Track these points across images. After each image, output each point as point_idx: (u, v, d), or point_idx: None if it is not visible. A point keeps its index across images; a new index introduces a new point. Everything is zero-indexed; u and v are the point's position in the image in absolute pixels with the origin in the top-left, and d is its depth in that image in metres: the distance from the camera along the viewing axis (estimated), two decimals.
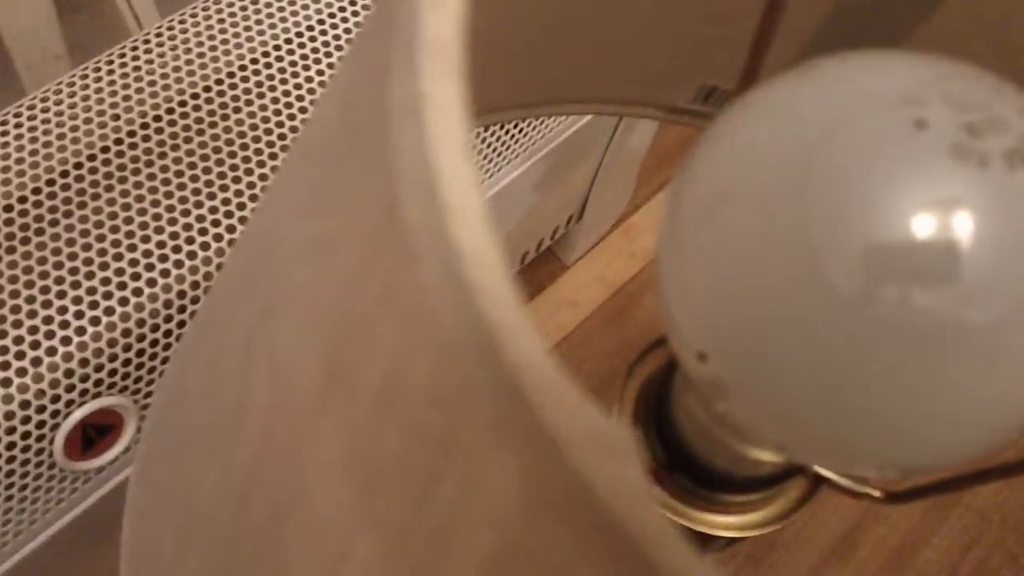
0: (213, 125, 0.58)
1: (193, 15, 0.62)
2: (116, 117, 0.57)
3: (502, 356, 0.12)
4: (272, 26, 0.61)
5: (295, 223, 0.20)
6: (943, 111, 0.20)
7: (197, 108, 0.58)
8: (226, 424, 0.24)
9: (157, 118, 0.58)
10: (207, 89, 0.59)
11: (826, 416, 0.23)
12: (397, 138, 0.14)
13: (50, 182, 0.55)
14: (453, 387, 0.13)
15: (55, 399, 0.51)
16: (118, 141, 0.57)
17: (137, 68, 0.59)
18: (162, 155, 0.56)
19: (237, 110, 0.58)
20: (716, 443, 0.32)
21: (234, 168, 0.57)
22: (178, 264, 0.54)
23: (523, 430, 0.12)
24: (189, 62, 0.60)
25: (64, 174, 0.55)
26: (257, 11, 0.62)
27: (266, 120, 0.58)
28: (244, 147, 0.57)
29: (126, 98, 0.58)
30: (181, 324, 0.55)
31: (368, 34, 0.18)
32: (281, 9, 0.62)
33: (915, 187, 0.20)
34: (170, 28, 0.61)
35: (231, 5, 0.62)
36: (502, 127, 0.72)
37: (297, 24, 0.62)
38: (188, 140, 0.57)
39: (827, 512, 1.03)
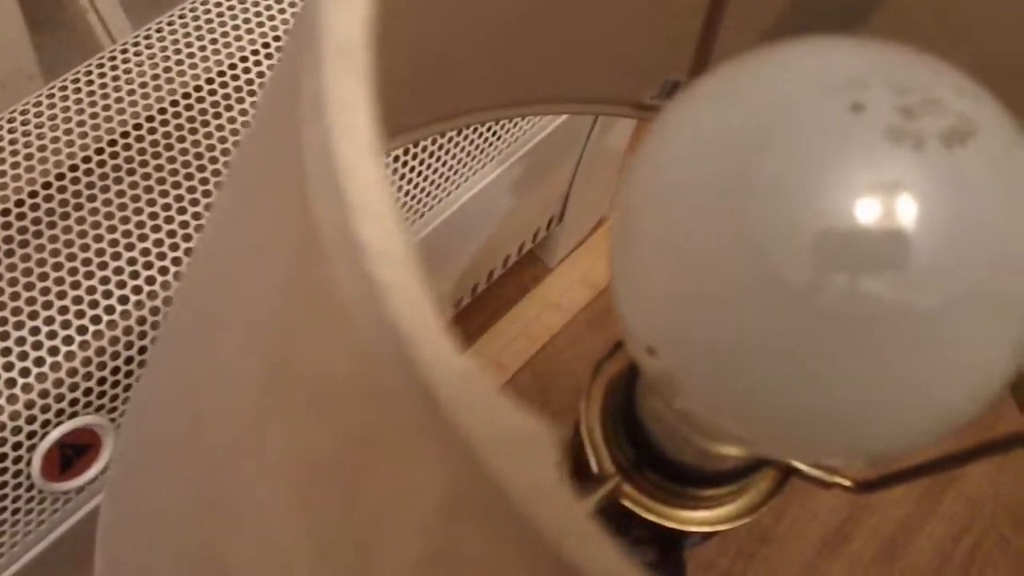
0: (182, 140, 0.58)
1: (159, 29, 0.61)
2: (84, 135, 0.57)
3: (412, 356, 0.12)
4: (238, 38, 0.61)
5: (233, 230, 0.20)
6: (881, 94, 0.20)
7: (165, 123, 0.58)
8: (182, 438, 0.24)
9: (125, 134, 0.57)
10: (174, 104, 0.59)
11: (779, 407, 0.23)
12: (305, 138, 0.14)
13: (19, 203, 0.55)
14: (371, 389, 0.13)
15: (31, 420, 0.51)
16: (86, 159, 0.56)
17: (104, 86, 0.59)
18: (131, 171, 0.56)
19: (205, 124, 0.58)
20: (682, 440, 0.32)
21: (204, 182, 0.56)
22: (150, 280, 0.54)
23: (437, 430, 0.12)
24: (156, 77, 0.59)
25: (33, 194, 0.55)
26: (223, 24, 0.61)
27: (235, 133, 0.58)
28: (214, 160, 0.57)
29: (94, 116, 0.58)
30: (156, 341, 0.54)
31: (290, 36, 0.18)
32: (247, 21, 0.62)
33: (855, 172, 0.20)
34: (135, 44, 0.61)
35: (196, 19, 0.62)
36: (475, 130, 0.72)
37: (263, 36, 0.61)
38: (157, 156, 0.57)
39: (819, 504, 1.02)
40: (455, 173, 0.74)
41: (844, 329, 0.21)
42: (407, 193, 0.69)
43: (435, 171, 0.71)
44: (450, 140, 0.70)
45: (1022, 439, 0.32)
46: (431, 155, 0.69)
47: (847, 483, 0.34)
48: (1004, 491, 1.05)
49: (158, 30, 0.61)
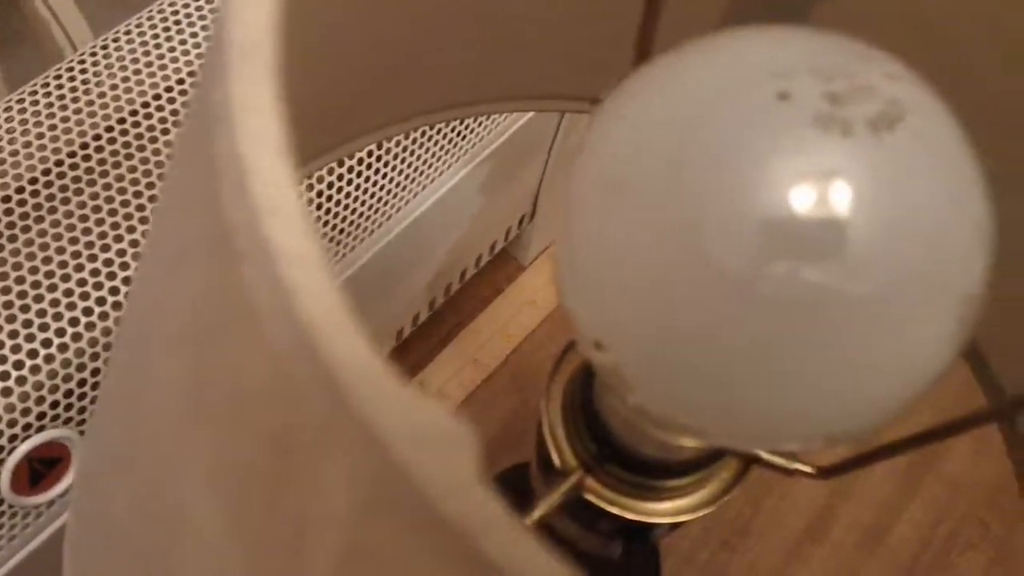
0: (142, 149, 0.57)
1: (115, 39, 0.61)
2: (43, 148, 0.57)
3: (320, 353, 0.12)
4: (197, 46, 0.61)
5: (164, 232, 0.19)
6: (808, 82, 0.20)
7: (124, 133, 0.58)
8: (128, 448, 0.24)
9: (84, 145, 0.57)
10: (134, 113, 0.58)
11: (727, 397, 0.23)
12: (215, 140, 0.14)
13: None
14: (285, 389, 0.13)
15: None
16: (46, 172, 0.56)
17: (62, 97, 0.59)
18: (91, 183, 0.56)
19: (166, 132, 0.58)
20: (641, 433, 0.32)
21: None
22: (115, 291, 0.54)
23: (350, 429, 0.12)
24: (114, 87, 0.59)
25: None
26: (180, 32, 0.61)
27: None
28: None
29: (52, 127, 0.57)
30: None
31: (208, 41, 0.18)
32: (205, 28, 0.62)
33: (786, 160, 0.20)
34: (93, 55, 0.60)
35: (154, 27, 0.61)
36: (439, 131, 0.72)
37: None
38: (117, 166, 0.57)
39: (798, 493, 1.03)
40: (421, 174, 0.74)
41: (785, 316, 0.21)
42: (374, 196, 0.69)
43: (401, 172, 0.70)
44: (414, 141, 0.70)
45: (977, 419, 0.32)
46: (396, 156, 0.69)
47: (808, 469, 0.34)
48: (982, 476, 1.06)
49: (115, 40, 0.61)
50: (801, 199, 0.20)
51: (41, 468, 0.54)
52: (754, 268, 0.21)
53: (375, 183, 0.68)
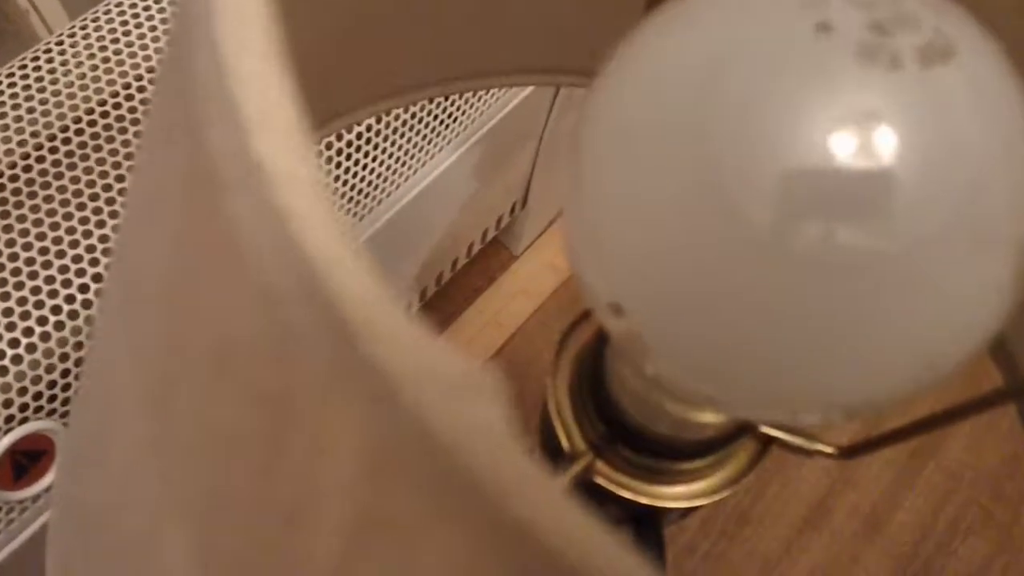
0: (123, 131, 0.55)
1: (95, 19, 0.59)
2: (21, 131, 0.55)
3: (321, 285, 0.10)
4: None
5: (136, 188, 0.18)
6: (847, 11, 0.18)
7: (106, 115, 0.56)
8: (101, 431, 0.22)
9: (64, 128, 0.55)
10: (114, 95, 0.56)
11: (751, 361, 0.21)
12: (195, 59, 0.12)
13: None
14: (281, 338, 0.12)
15: None
16: (25, 156, 0.54)
17: (40, 79, 0.57)
18: (72, 166, 0.54)
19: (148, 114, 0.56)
20: (655, 409, 0.30)
21: None
22: (97, 278, 0.52)
23: (354, 371, 0.11)
24: (94, 68, 0.57)
25: None
26: (162, 10, 0.59)
27: None
28: None
29: (30, 110, 0.55)
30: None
31: None
32: None
33: (825, 98, 0.18)
34: (71, 35, 0.58)
35: (134, 6, 0.59)
36: (430, 112, 0.70)
37: None
38: (99, 149, 0.55)
39: (798, 482, 1.01)
40: (412, 158, 0.72)
41: (817, 276, 0.20)
42: (363, 179, 0.67)
43: (391, 155, 0.69)
44: (404, 124, 0.68)
45: (1004, 395, 0.30)
46: (386, 139, 0.67)
47: (829, 449, 0.33)
48: (983, 463, 1.04)
49: (94, 20, 0.59)
50: (842, 146, 0.18)
51: (25, 461, 0.53)
52: (785, 224, 0.19)
53: (364, 166, 0.66)
